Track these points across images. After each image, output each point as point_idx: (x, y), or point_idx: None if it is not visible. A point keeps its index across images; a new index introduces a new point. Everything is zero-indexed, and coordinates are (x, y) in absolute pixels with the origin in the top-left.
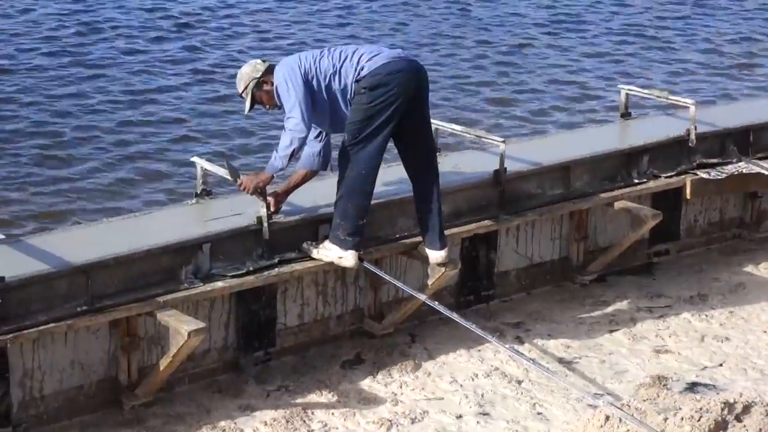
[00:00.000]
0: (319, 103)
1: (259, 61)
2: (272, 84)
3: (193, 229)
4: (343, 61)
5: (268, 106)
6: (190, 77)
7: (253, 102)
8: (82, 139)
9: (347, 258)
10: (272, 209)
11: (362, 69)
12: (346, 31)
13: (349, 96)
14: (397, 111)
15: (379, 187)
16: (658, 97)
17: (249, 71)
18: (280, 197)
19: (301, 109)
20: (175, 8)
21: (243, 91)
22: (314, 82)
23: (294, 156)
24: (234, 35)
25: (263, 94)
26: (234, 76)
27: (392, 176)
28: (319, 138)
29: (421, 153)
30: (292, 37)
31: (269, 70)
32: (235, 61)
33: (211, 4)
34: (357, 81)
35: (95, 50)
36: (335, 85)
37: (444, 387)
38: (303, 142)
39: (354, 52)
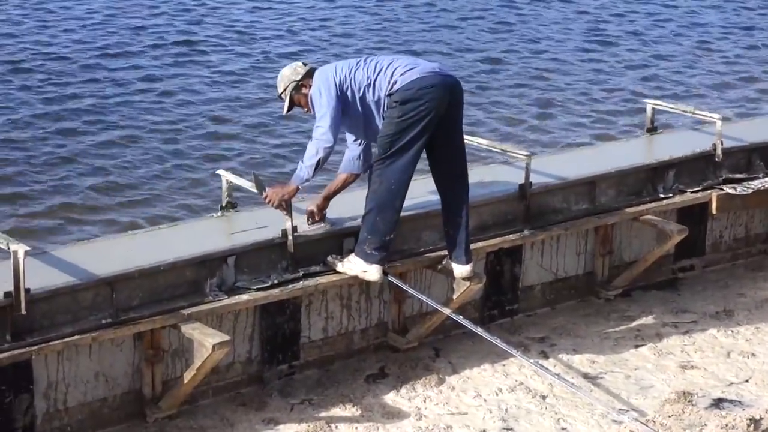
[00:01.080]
0: (353, 114)
1: (300, 63)
2: (310, 88)
3: (218, 242)
4: (378, 74)
5: (306, 109)
6: (216, 88)
7: (291, 104)
8: (108, 151)
9: (371, 272)
10: (316, 217)
11: (395, 83)
12: (379, 37)
13: (382, 109)
14: (429, 126)
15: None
16: (684, 111)
17: (289, 74)
18: (322, 204)
19: (329, 120)
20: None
21: (282, 93)
22: (348, 93)
23: (320, 166)
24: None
25: (301, 98)
26: (272, 85)
27: (417, 190)
28: (359, 141)
29: (452, 168)
30: (325, 44)
31: (309, 74)
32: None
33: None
34: (390, 95)
35: (120, 61)
36: (369, 97)
37: (468, 401)
38: (329, 153)
39: (389, 65)
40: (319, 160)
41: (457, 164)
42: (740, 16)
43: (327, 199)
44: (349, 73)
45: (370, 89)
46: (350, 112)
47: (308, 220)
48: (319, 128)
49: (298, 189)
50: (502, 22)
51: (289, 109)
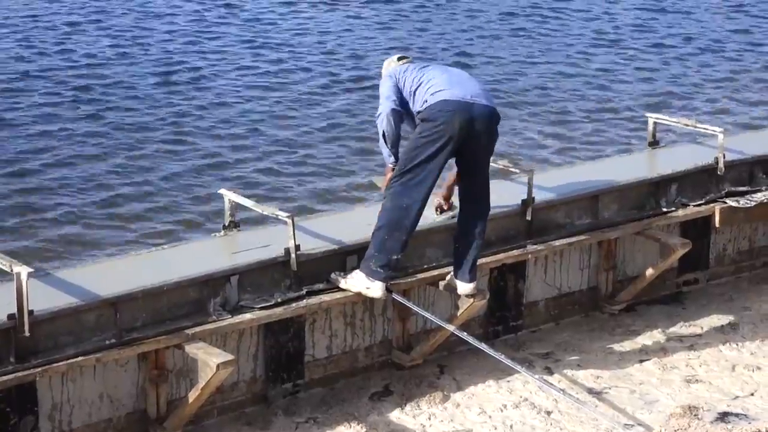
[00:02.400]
0: (402, 104)
1: (395, 57)
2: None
3: (221, 261)
4: (418, 87)
5: None
6: (217, 106)
7: None
8: (108, 170)
9: (374, 289)
10: (445, 207)
11: (425, 102)
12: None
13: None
14: (444, 148)
15: None
16: (685, 125)
17: (385, 63)
18: (447, 194)
19: (385, 101)
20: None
21: None
22: (399, 88)
23: (386, 140)
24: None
25: None
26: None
27: None
28: None
29: (473, 191)
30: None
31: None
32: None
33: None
34: (418, 112)
35: (118, 74)
36: (411, 106)
37: (473, 418)
38: (385, 121)
39: (429, 80)
40: (382, 132)
41: (478, 188)
42: (741, 25)
43: (449, 188)
44: (400, 73)
45: (412, 98)
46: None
47: (437, 211)
48: (377, 112)
49: (391, 168)
50: (500, 37)
51: None
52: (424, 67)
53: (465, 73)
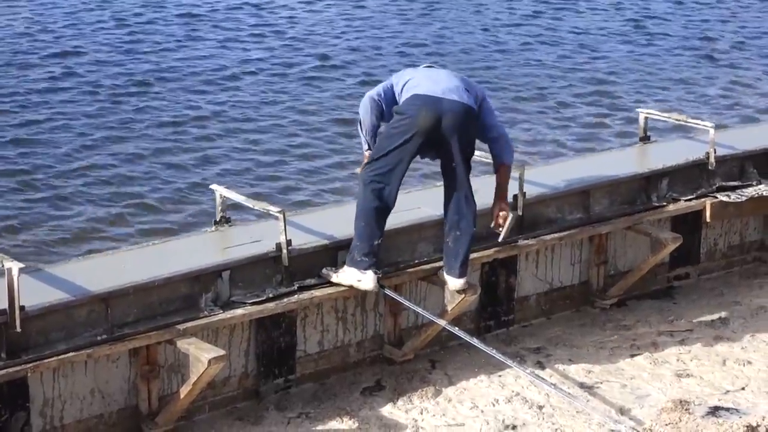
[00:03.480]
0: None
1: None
2: None
3: (213, 257)
4: (405, 85)
5: None
6: (207, 102)
7: None
8: (99, 165)
9: (365, 281)
10: (506, 220)
11: (402, 97)
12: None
13: None
14: (410, 140)
15: (399, 213)
16: (677, 120)
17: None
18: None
19: (370, 91)
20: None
21: None
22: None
23: (362, 128)
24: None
25: None
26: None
27: (411, 201)
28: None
29: (450, 185)
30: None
31: None
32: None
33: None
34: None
35: (110, 75)
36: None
37: (465, 413)
38: (363, 113)
39: (413, 78)
40: (360, 119)
41: (455, 182)
42: (736, 21)
43: (501, 198)
44: (400, 74)
45: (400, 97)
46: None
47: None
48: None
49: (366, 156)
50: (490, 32)
51: None
52: (420, 68)
53: (448, 72)
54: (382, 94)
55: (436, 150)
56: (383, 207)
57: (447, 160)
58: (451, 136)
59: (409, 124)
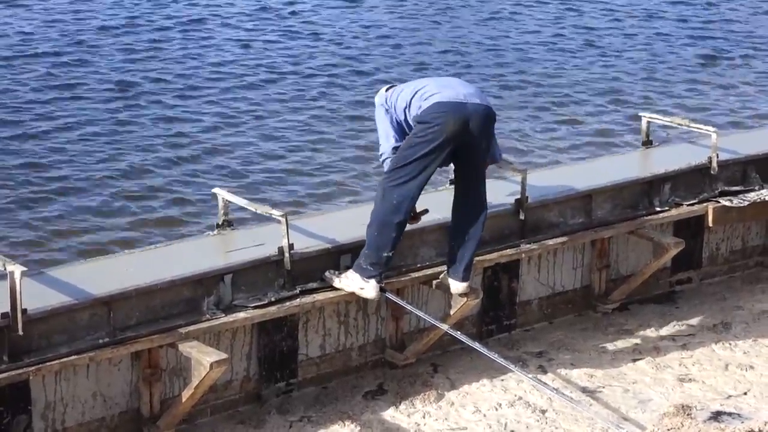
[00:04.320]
0: (402, 135)
1: (384, 88)
2: None
3: (215, 260)
4: (413, 97)
5: None
6: (209, 106)
7: None
8: (101, 170)
9: (368, 289)
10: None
11: (420, 108)
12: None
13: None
14: (437, 150)
15: None
16: (679, 124)
17: (377, 96)
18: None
19: (385, 141)
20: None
21: None
22: (394, 117)
23: (381, 134)
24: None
25: None
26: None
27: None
28: None
29: (466, 188)
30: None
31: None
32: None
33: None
34: (414, 117)
35: (112, 79)
36: (409, 118)
37: (467, 417)
38: (380, 121)
39: (422, 87)
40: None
41: (474, 189)
42: (742, 24)
43: None
44: (394, 100)
45: (408, 110)
46: (399, 132)
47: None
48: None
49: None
50: (492, 38)
51: None
52: (413, 81)
53: (456, 78)
54: (396, 136)
55: (457, 155)
56: (400, 219)
57: (468, 164)
58: (476, 139)
59: (438, 132)
